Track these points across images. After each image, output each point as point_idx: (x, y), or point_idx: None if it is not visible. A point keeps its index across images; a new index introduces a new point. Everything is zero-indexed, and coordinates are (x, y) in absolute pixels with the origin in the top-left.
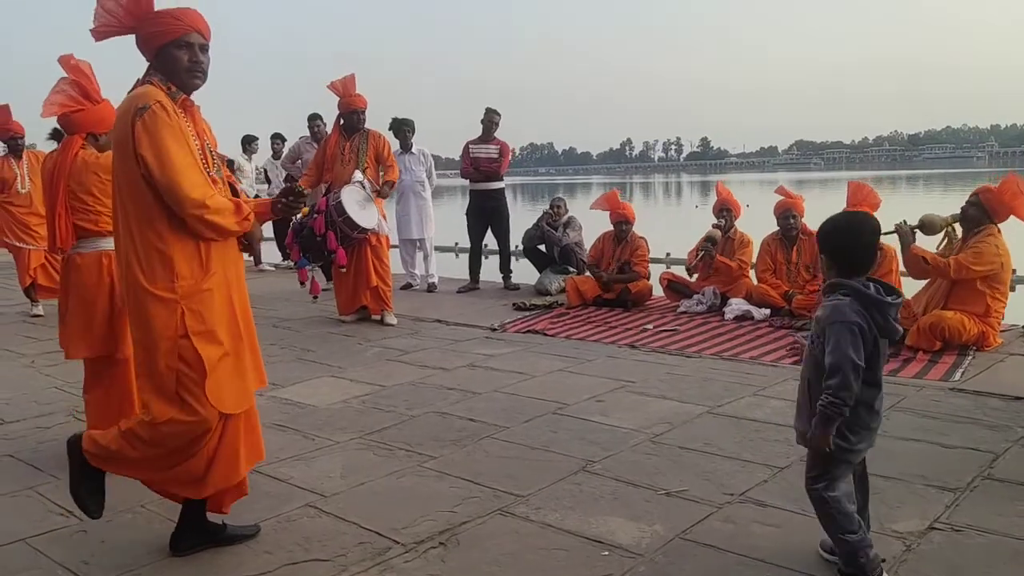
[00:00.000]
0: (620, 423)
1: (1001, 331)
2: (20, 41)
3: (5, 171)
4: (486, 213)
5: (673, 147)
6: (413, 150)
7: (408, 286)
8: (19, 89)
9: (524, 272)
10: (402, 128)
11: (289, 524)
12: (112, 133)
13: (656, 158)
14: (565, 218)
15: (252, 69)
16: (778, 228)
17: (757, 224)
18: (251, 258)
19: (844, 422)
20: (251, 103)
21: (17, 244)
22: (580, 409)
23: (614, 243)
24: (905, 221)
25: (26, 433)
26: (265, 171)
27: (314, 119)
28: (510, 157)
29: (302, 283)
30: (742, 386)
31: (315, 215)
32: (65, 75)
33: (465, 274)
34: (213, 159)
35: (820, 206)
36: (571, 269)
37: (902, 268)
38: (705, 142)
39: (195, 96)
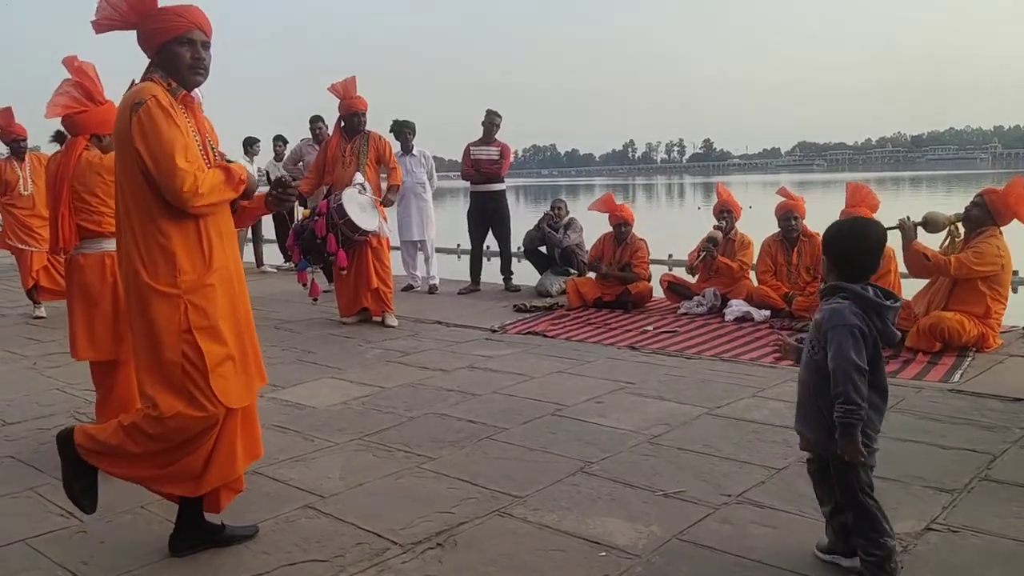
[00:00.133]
0: (618, 424)
1: (1001, 332)
2: (20, 42)
3: (8, 173)
4: (487, 215)
5: (676, 149)
6: (414, 152)
7: (409, 288)
8: (20, 91)
9: (525, 273)
10: (402, 130)
11: (287, 525)
12: (115, 131)
13: (659, 160)
14: (566, 220)
15: (253, 70)
16: (779, 230)
17: (759, 226)
18: (253, 259)
19: (864, 427)
20: (252, 104)
21: (20, 246)
22: (579, 410)
23: (614, 244)
24: (908, 217)
25: (27, 434)
26: (267, 173)
27: (316, 121)
28: (511, 159)
29: (302, 285)
30: (741, 387)
31: (316, 217)
32: (69, 77)
33: (467, 276)
34: (215, 156)
35: (822, 208)
36: (572, 271)
37: (902, 269)
38: (708, 143)
39: (200, 92)
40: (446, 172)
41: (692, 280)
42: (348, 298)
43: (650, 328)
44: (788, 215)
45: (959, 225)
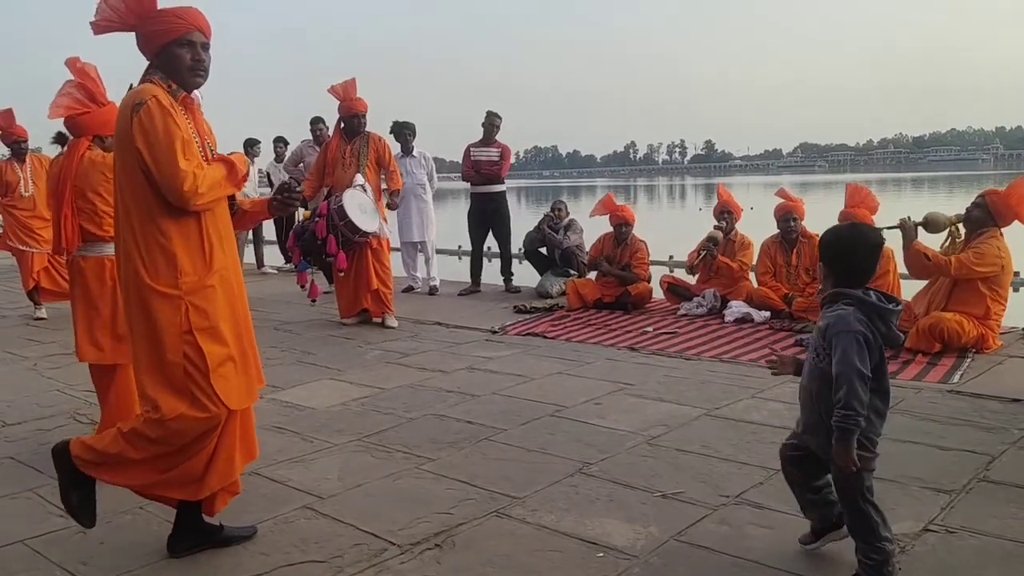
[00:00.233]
0: (617, 425)
1: (1001, 333)
2: (21, 42)
3: (8, 175)
4: (487, 216)
5: (677, 150)
6: (414, 153)
7: (410, 289)
8: (21, 92)
9: (525, 275)
10: (403, 131)
11: (286, 525)
12: (115, 132)
13: (660, 161)
14: (566, 221)
15: (253, 71)
16: (778, 231)
17: (760, 227)
18: (254, 261)
19: (864, 433)
20: (252, 105)
21: (20, 247)
22: (578, 411)
23: (614, 245)
24: (909, 217)
25: (27, 435)
26: (268, 174)
27: (316, 122)
28: (511, 160)
29: (301, 286)
30: (740, 388)
31: (317, 219)
32: (71, 78)
33: (467, 277)
34: (213, 157)
35: (823, 209)
36: (572, 272)
37: (902, 269)
38: (709, 145)
39: (199, 93)
40: (447, 173)
41: (692, 281)
42: (348, 299)
43: (650, 329)
44: (787, 216)
45: (960, 226)
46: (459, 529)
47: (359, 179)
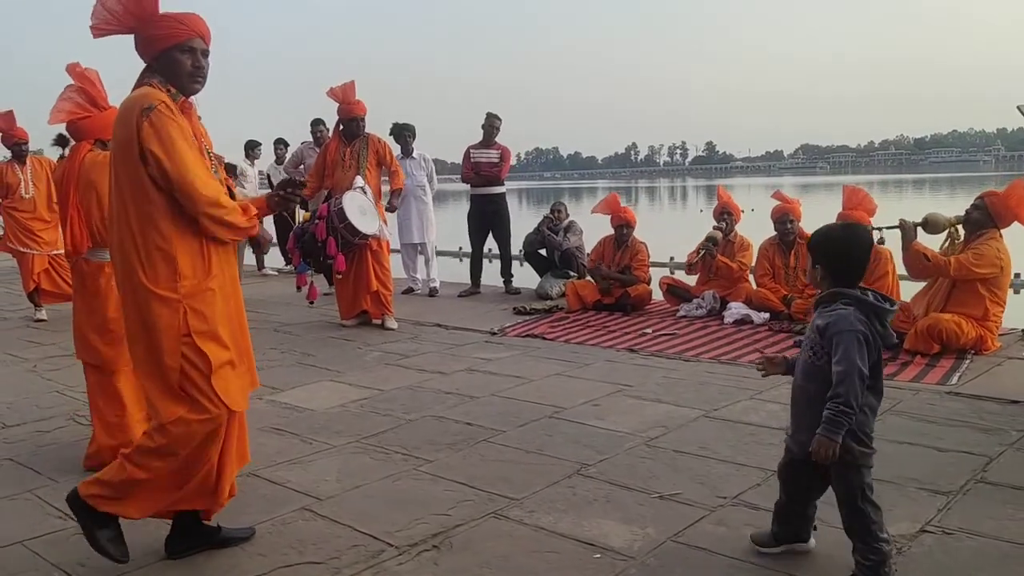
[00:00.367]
0: (616, 427)
1: (999, 335)
2: (22, 44)
3: (9, 176)
4: (487, 217)
5: (678, 151)
6: (414, 155)
7: (410, 290)
8: (21, 93)
9: (525, 276)
10: (403, 133)
11: (284, 527)
12: (113, 134)
13: (661, 162)
14: (566, 222)
15: (254, 73)
16: (776, 233)
17: (761, 228)
18: (255, 262)
19: (861, 429)
20: (253, 107)
21: (21, 249)
22: (576, 413)
23: (614, 247)
24: (909, 219)
25: (26, 437)
26: (268, 176)
27: (317, 124)
28: (511, 162)
29: (299, 288)
30: (738, 390)
31: (316, 221)
32: (72, 83)
33: (468, 278)
34: (211, 161)
35: (824, 210)
36: (572, 273)
37: (900, 271)
38: (710, 146)
39: (198, 98)
40: (448, 175)
41: (691, 283)
42: (348, 301)
43: (649, 331)
44: (784, 218)
45: (959, 228)
46: (457, 530)
47: (359, 181)
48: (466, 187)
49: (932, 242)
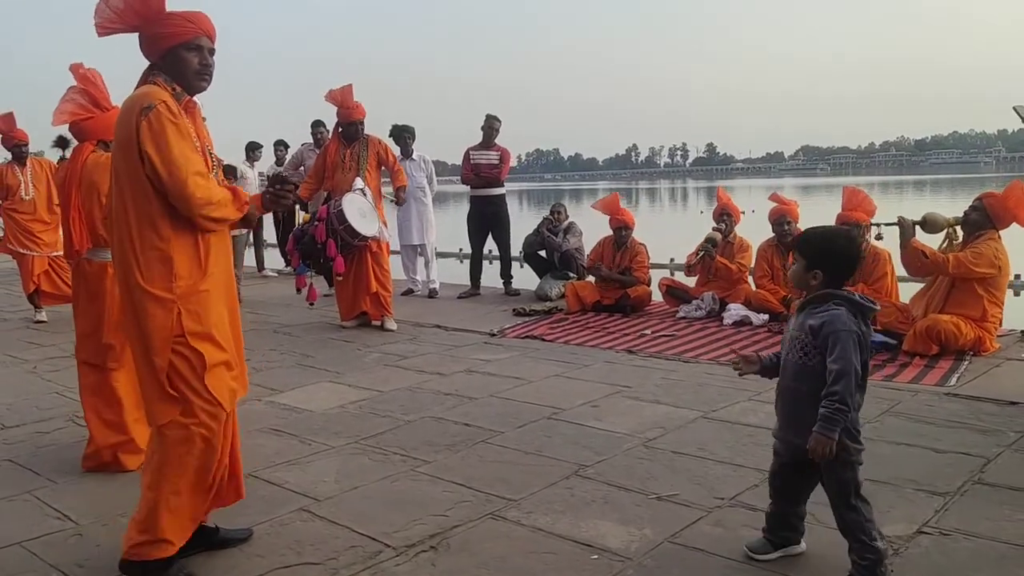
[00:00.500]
0: (614, 428)
1: (998, 336)
2: (22, 44)
3: (9, 178)
4: (487, 219)
5: (679, 153)
6: (414, 156)
7: (410, 292)
8: (22, 94)
9: (525, 278)
10: (402, 135)
11: (282, 528)
12: (115, 134)
13: (662, 164)
14: (565, 224)
15: (254, 73)
16: (774, 235)
17: (761, 230)
18: (255, 263)
19: (854, 426)
20: (253, 108)
21: (21, 251)
22: (575, 414)
23: (614, 248)
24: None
25: (25, 438)
26: (268, 178)
27: (317, 125)
28: (511, 163)
29: (298, 289)
30: (737, 391)
31: (316, 223)
32: (75, 83)
33: (468, 280)
34: (212, 161)
35: (824, 212)
36: (571, 275)
37: (900, 272)
38: (711, 148)
39: (200, 98)
40: (448, 176)
41: (691, 284)
42: (348, 302)
43: (648, 332)
44: (781, 220)
45: (957, 229)
46: (454, 531)
47: (359, 183)
48: (466, 189)
49: (930, 242)
